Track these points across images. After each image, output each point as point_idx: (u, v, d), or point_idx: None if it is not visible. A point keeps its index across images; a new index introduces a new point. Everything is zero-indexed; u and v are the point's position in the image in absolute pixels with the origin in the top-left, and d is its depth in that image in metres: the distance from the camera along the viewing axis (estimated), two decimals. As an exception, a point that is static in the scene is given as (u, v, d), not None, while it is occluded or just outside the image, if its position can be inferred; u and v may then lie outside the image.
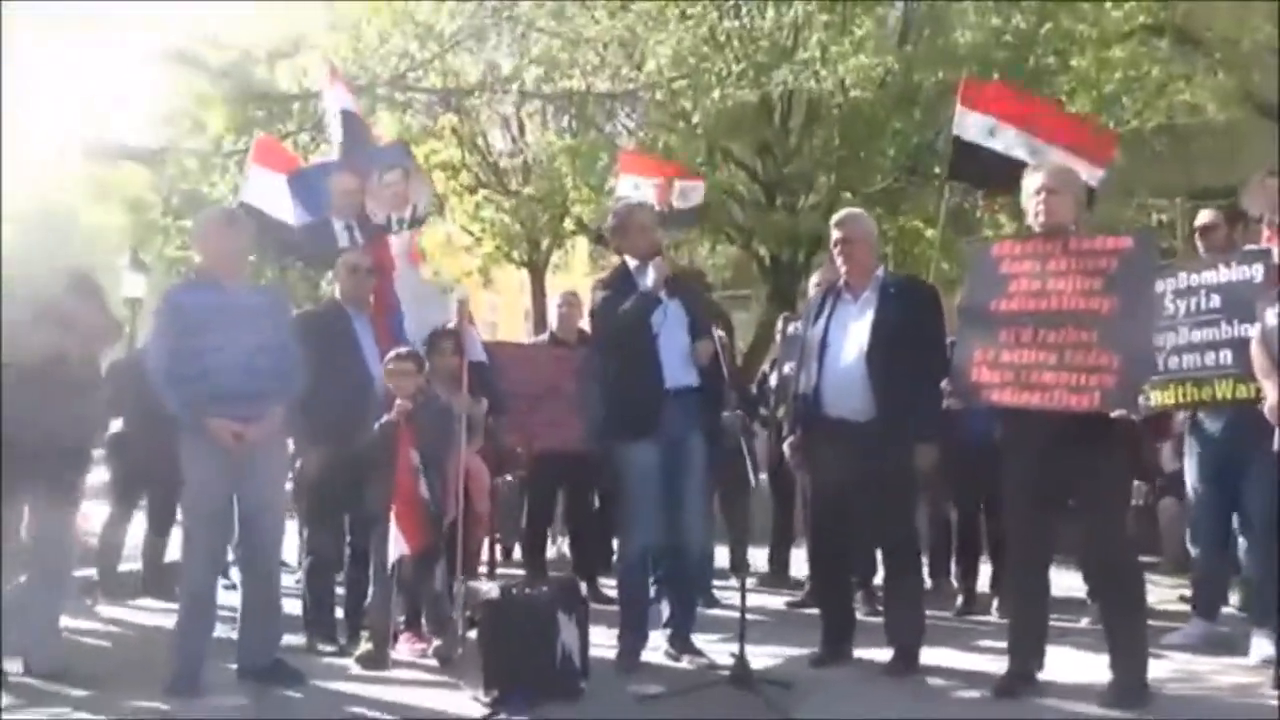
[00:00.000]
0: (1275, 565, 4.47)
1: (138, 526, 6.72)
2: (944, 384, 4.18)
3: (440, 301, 5.92)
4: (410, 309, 5.36)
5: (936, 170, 11.51)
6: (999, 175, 6.03)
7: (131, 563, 6.73)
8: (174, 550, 6.20)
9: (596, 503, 6.69)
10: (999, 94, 6.24)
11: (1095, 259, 3.92)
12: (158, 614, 6.05)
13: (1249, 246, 4.84)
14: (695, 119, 11.89)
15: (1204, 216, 5.14)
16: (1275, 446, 4.15)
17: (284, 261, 9.29)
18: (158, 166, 13.69)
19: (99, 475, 6.24)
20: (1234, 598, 4.98)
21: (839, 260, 4.71)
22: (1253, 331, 4.29)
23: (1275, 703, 3.96)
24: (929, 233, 12.26)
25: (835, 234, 4.70)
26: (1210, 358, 4.58)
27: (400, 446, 4.59)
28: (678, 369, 4.66)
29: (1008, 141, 5.96)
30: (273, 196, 5.91)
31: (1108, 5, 10.97)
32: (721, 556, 6.53)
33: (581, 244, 18.39)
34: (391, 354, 4.84)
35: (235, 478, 4.31)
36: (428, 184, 5.61)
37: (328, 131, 6.14)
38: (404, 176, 5.28)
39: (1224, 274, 4.62)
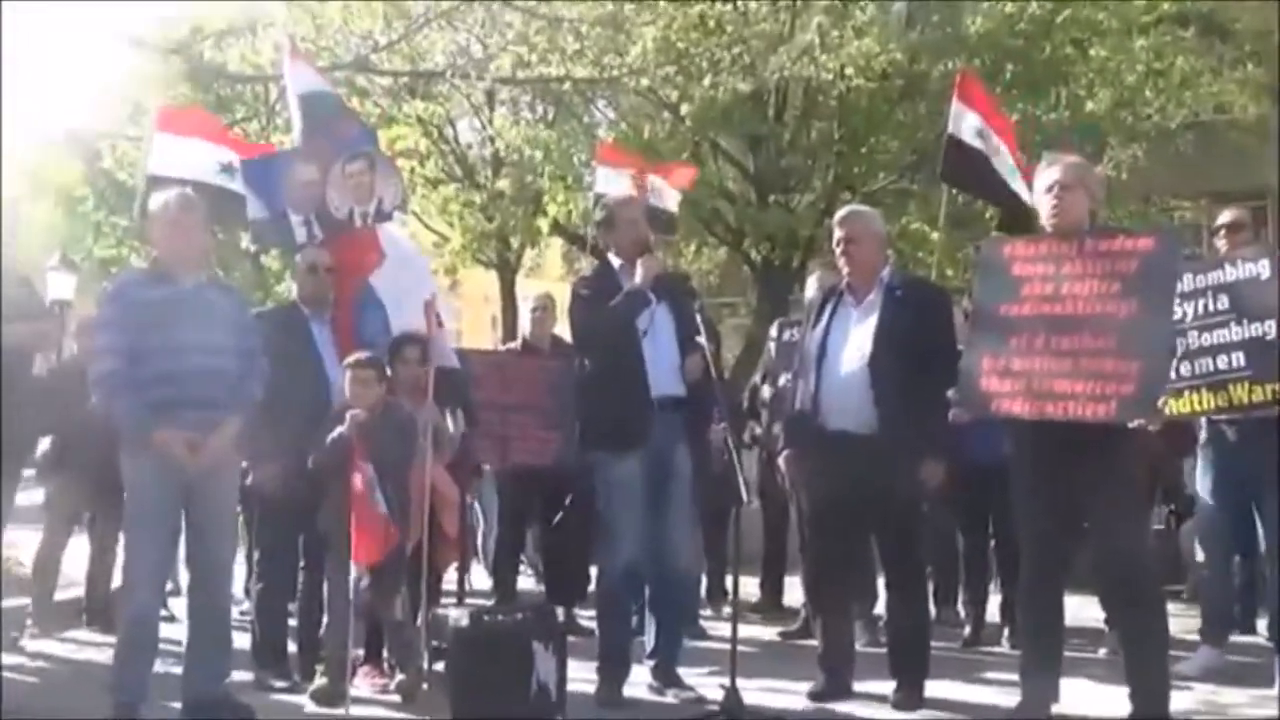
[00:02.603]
0: None
1: (74, 551, 6.69)
2: (950, 394, 4.25)
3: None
4: (398, 293, 5.34)
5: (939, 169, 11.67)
6: (987, 182, 6.16)
7: (67, 590, 6.68)
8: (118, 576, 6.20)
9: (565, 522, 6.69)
10: (990, 100, 6.45)
11: (1114, 260, 4.01)
12: (90, 648, 6.03)
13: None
14: (683, 110, 11.99)
15: (1229, 214, 5.28)
16: None
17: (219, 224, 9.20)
18: (92, 156, 13.64)
19: (28, 497, 6.21)
20: (1262, 624, 5.09)
21: (841, 262, 4.78)
22: (1265, 330, 4.51)
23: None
24: (934, 235, 12.39)
25: (837, 233, 4.78)
26: (1223, 360, 4.76)
27: (352, 461, 4.61)
28: (664, 377, 4.71)
29: (991, 148, 6.09)
30: (184, 160, 5.91)
31: (1130, -10, 11.18)
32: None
33: (555, 245, 18.44)
34: (350, 359, 4.85)
35: (184, 494, 4.30)
36: (396, 175, 5.62)
37: (288, 115, 6.13)
38: (369, 166, 5.29)
39: (1230, 273, 4.82)
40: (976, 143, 6.05)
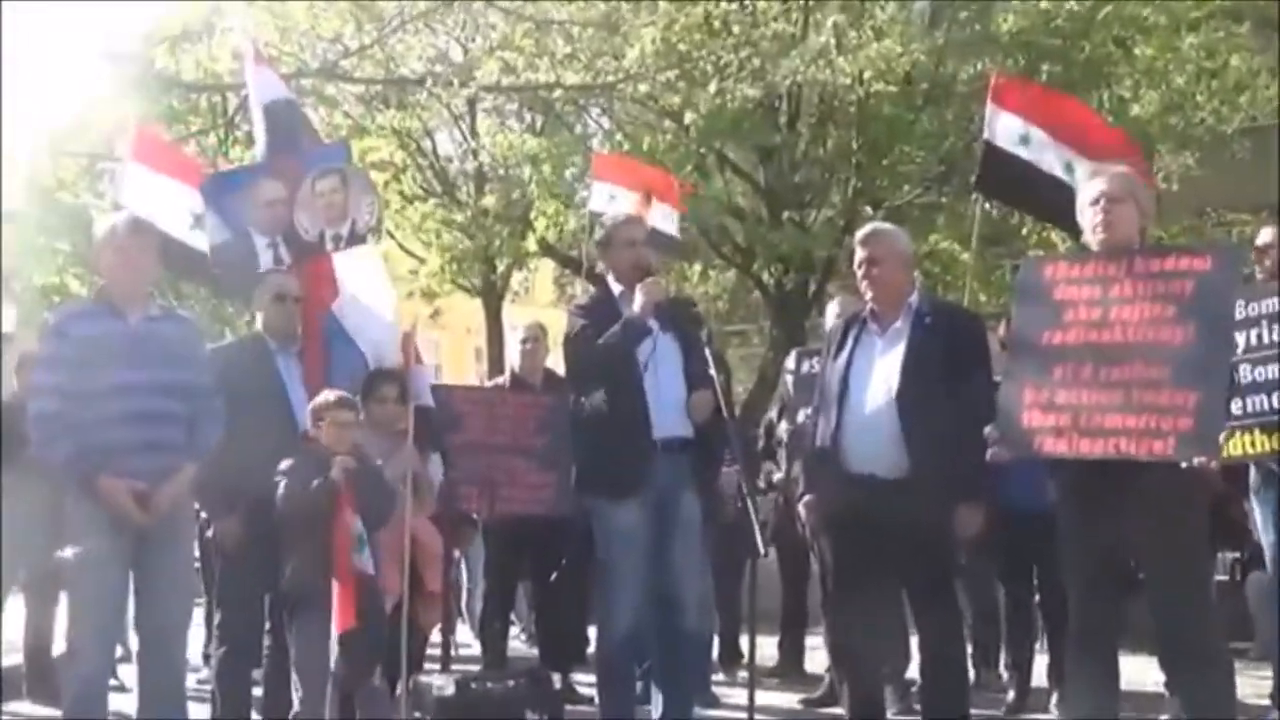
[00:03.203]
0: None
1: (13, 612, 6.66)
2: (988, 431, 4.25)
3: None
4: (368, 336, 5.36)
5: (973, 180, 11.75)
6: (1031, 194, 6.16)
7: (7, 657, 6.66)
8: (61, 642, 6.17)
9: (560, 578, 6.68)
10: (1033, 95, 6.44)
11: (1167, 281, 4.01)
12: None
13: None
14: (686, 118, 12.08)
15: (1266, 235, 5.27)
16: None
17: (183, 281, 9.28)
18: (32, 173, 13.69)
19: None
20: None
21: (863, 285, 4.79)
22: None
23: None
24: (964, 255, 12.46)
25: (859, 253, 4.78)
26: (1278, 399, 4.73)
27: (338, 513, 4.57)
28: (668, 415, 4.72)
29: (1040, 151, 6.08)
30: (155, 201, 5.89)
31: (1178, -17, 11.28)
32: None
33: (546, 267, 18.53)
34: (330, 399, 4.80)
35: (133, 549, 4.30)
36: (371, 192, 5.65)
37: (249, 128, 6.18)
38: (342, 184, 5.33)
39: None
40: (1020, 150, 6.05)
